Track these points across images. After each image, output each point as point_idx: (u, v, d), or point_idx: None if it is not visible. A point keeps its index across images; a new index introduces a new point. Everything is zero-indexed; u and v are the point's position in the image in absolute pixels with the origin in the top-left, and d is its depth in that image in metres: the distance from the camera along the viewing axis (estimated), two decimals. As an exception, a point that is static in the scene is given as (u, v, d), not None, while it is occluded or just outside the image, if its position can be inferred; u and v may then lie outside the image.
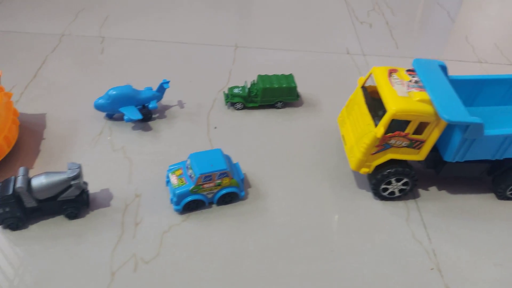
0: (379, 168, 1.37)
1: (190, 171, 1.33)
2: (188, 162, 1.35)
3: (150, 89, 1.71)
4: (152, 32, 2.19)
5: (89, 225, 1.30)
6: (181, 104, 1.79)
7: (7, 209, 1.21)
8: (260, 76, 1.77)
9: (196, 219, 1.35)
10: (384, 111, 1.38)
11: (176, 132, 1.66)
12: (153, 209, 1.37)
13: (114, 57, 2.00)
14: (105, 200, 1.38)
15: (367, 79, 1.43)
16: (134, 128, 1.65)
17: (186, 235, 1.31)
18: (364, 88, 1.44)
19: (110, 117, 1.68)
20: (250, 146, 1.63)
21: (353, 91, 1.51)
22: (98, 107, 1.61)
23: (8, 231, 1.26)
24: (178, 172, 1.36)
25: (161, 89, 1.68)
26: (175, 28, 2.25)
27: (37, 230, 1.28)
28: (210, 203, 1.39)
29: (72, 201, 1.28)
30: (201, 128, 1.69)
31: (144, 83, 1.82)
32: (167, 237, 1.30)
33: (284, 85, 1.74)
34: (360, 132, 1.36)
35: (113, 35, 2.14)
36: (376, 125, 1.30)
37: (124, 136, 1.62)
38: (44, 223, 1.30)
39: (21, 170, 1.24)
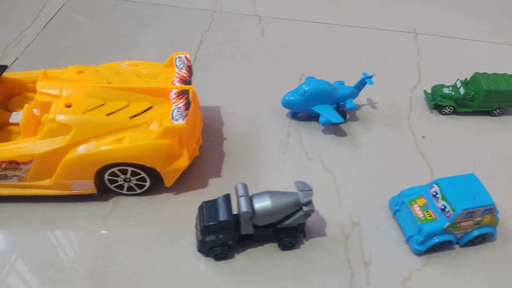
0: None
1: (441, 203, 1.01)
2: (435, 188, 1.03)
3: (343, 83, 1.40)
4: (313, 12, 1.86)
5: (308, 260, 1.02)
6: (372, 104, 1.46)
7: (220, 236, 0.95)
8: (479, 74, 1.40)
9: (439, 264, 1.04)
10: None
11: (377, 140, 1.34)
12: (380, 244, 1.07)
13: (276, 40, 1.70)
14: (318, 226, 1.09)
15: None
16: (324, 131, 1.35)
17: (434, 287, 1.00)
18: None
19: (294, 116, 1.38)
20: (470, 165, 1.28)
21: None
22: (288, 104, 1.32)
23: (210, 261, 1.01)
24: (420, 202, 1.05)
25: (361, 85, 1.36)
26: (336, 7, 1.91)
27: (246, 262, 1.01)
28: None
29: (291, 229, 1.00)
30: (405, 136, 1.36)
31: (320, 73, 1.52)
32: (410, 287, 1.00)
33: (514, 88, 1.37)
34: None
35: (269, 14, 1.84)
36: None
37: (316, 141, 1.32)
38: (252, 253, 1.03)
39: (240, 188, 0.96)
